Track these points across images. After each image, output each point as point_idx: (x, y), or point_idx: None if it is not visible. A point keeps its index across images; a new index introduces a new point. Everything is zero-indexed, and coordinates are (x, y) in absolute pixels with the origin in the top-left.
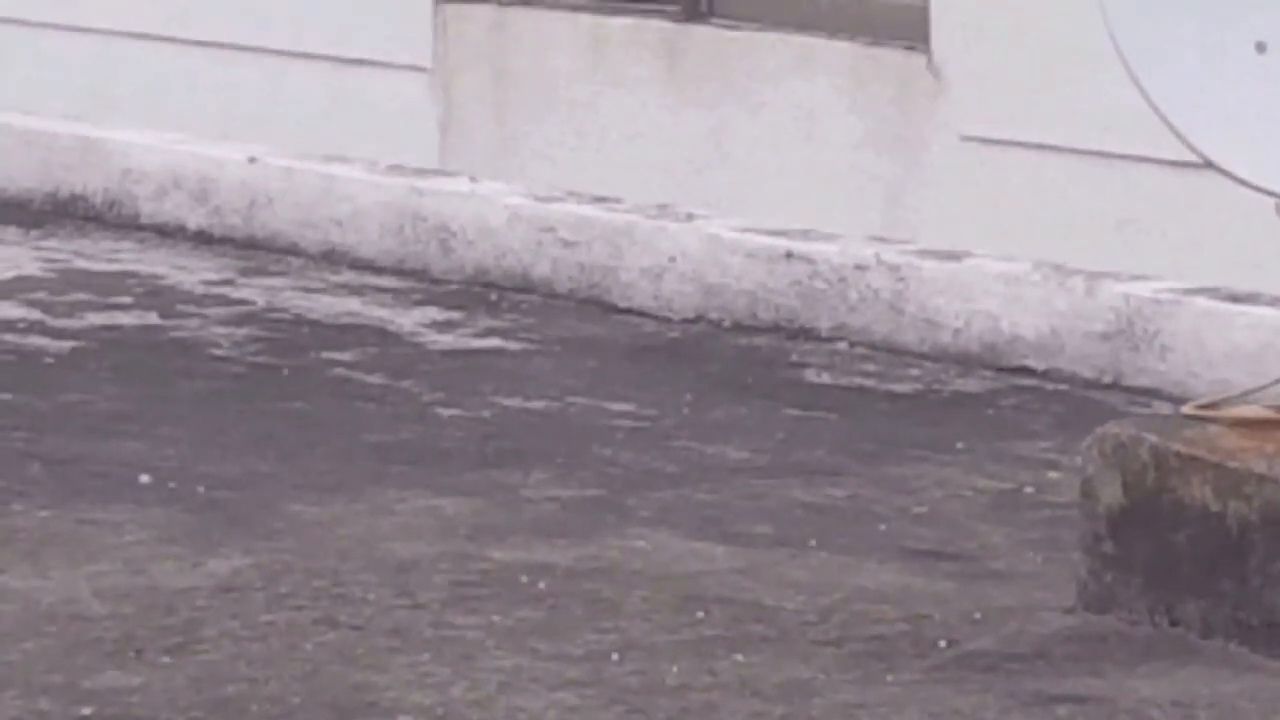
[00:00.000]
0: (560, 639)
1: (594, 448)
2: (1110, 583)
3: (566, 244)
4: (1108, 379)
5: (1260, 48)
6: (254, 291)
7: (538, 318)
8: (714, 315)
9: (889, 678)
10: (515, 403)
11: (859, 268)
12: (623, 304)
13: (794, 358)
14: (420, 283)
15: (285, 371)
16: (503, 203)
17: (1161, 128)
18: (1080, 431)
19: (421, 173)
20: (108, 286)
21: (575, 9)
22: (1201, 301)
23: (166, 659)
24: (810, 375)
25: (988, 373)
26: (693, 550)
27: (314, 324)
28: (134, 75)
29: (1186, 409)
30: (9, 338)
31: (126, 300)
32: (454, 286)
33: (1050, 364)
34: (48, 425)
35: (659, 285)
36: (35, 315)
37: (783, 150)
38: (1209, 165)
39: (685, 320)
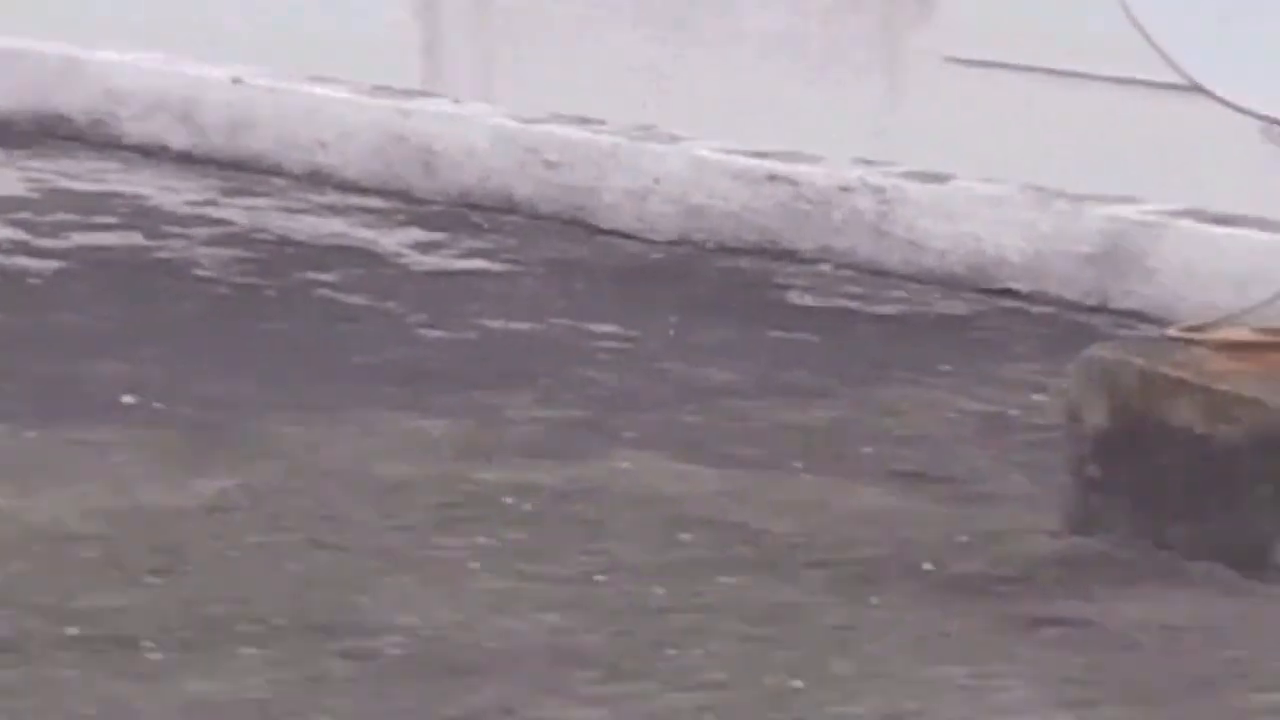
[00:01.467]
0: (546, 561)
1: (578, 369)
2: (1097, 506)
3: (550, 165)
4: (1093, 301)
5: None
6: (238, 212)
7: (521, 239)
8: (698, 237)
9: (875, 600)
10: (499, 324)
11: (843, 189)
12: (606, 226)
13: (778, 280)
14: (404, 204)
15: (270, 293)
16: (486, 124)
17: (1148, 50)
18: (1066, 354)
19: (406, 94)
20: (92, 207)
21: None
22: (1187, 224)
23: (153, 579)
24: (794, 297)
25: (972, 295)
26: (678, 472)
27: (298, 245)
28: None
29: (1173, 331)
30: None
31: (111, 220)
32: (438, 208)
33: (1035, 286)
34: (32, 346)
35: (643, 207)
36: (20, 235)
37: (768, 72)
38: (1195, 88)
39: (669, 242)
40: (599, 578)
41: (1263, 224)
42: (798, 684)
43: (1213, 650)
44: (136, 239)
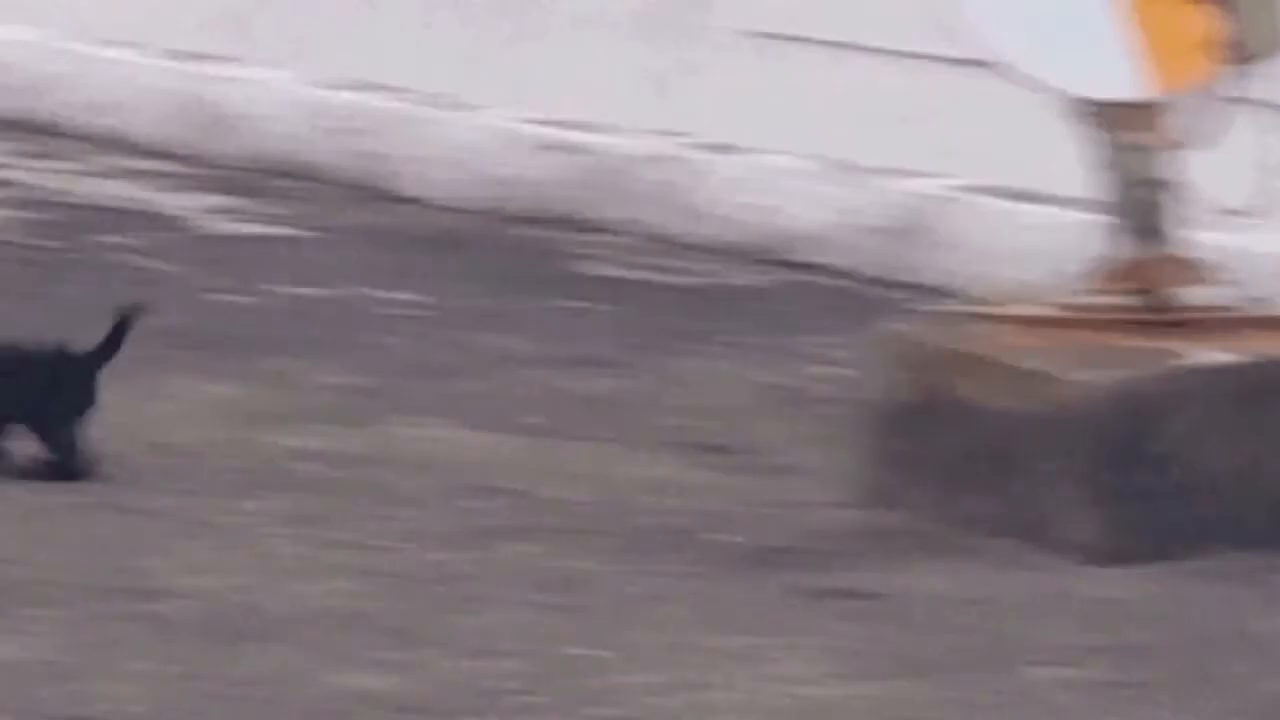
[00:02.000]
0: (338, 527)
1: (373, 337)
2: (888, 479)
3: (349, 132)
4: (889, 275)
5: None
6: (31, 174)
7: (318, 206)
8: (494, 206)
9: (666, 570)
10: (295, 290)
11: (641, 160)
12: (405, 194)
13: (575, 250)
14: (200, 168)
15: (61, 256)
16: (285, 90)
17: (943, 24)
18: (861, 328)
19: (204, 58)
20: None
21: None
22: (983, 199)
23: None
24: (591, 267)
25: (769, 267)
26: (472, 440)
27: (93, 208)
28: None
29: (968, 306)
30: None
31: None
32: (235, 172)
33: (831, 259)
34: None
35: (440, 175)
36: None
37: (566, 42)
38: (992, 63)
39: (465, 210)
40: (390, 544)
41: (1058, 200)
42: (590, 652)
43: (994, 624)
44: None
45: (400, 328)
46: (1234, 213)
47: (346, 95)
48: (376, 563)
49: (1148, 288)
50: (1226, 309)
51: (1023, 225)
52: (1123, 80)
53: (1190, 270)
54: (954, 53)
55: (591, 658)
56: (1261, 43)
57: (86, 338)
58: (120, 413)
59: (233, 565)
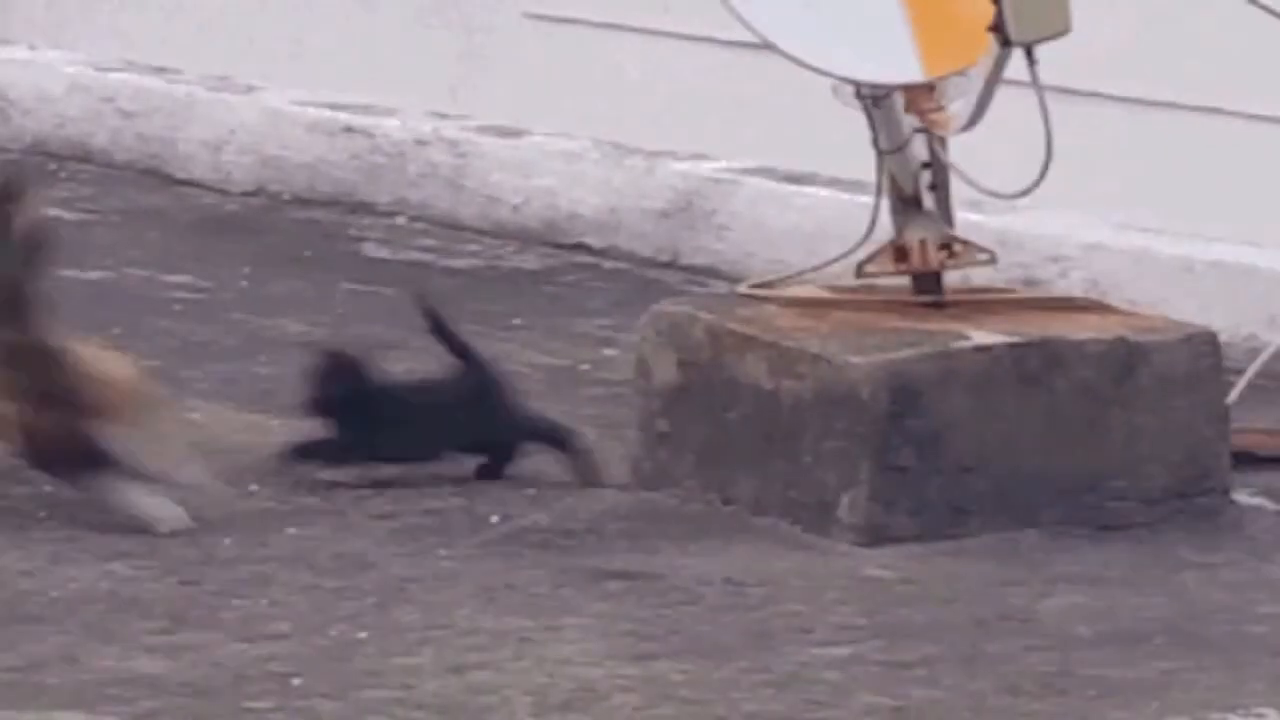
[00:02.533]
0: (111, 510)
1: (151, 319)
2: (665, 460)
3: (126, 114)
4: (665, 257)
5: None
6: None
7: (96, 188)
8: (273, 188)
9: (442, 552)
10: (72, 273)
11: (419, 143)
12: (182, 175)
13: (353, 231)
14: None
15: None
16: (61, 71)
17: (722, 8)
18: (638, 310)
19: None
20: None
21: None
22: (758, 181)
23: None
24: (369, 249)
25: (546, 249)
26: (249, 423)
27: None
28: None
29: (742, 288)
30: None
31: None
32: (12, 155)
33: (609, 242)
34: None
35: (218, 157)
36: None
37: (345, 23)
38: (767, 46)
39: (244, 193)
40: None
41: (833, 183)
42: (362, 635)
43: (775, 604)
44: None
45: (180, 310)
46: (1006, 195)
47: (123, 76)
48: (151, 546)
49: (920, 270)
50: (998, 291)
51: (798, 207)
52: (894, 63)
53: (963, 252)
54: (728, 35)
55: (362, 640)
56: (1030, 27)
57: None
58: None
59: (4, 549)
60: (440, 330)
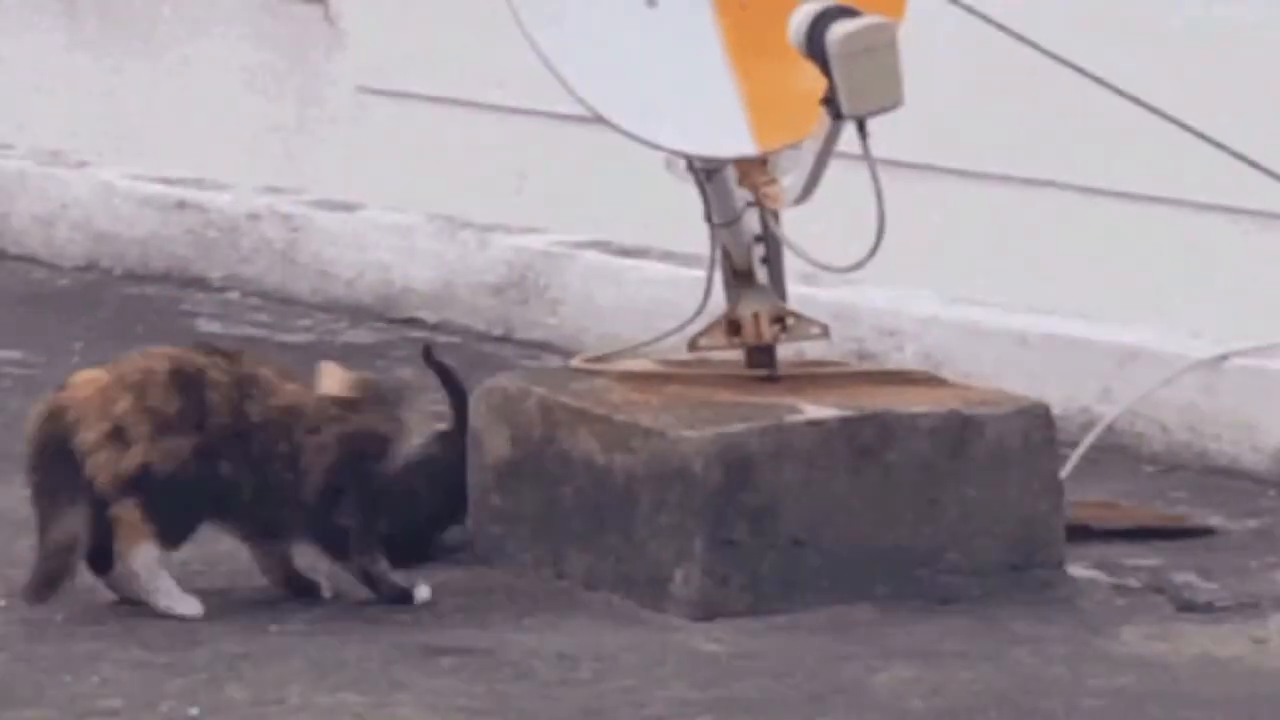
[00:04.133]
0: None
1: None
2: (498, 535)
3: None
4: (499, 331)
5: (650, 2)
6: None
7: None
8: (105, 263)
9: (273, 628)
10: None
11: (251, 217)
12: (14, 250)
13: (186, 306)
14: None
15: None
16: None
17: (555, 81)
18: (471, 384)
19: None
20: None
21: None
22: (592, 255)
23: None
24: (202, 324)
25: (380, 324)
26: None
27: None
28: None
29: (575, 362)
30: None
31: None
32: None
33: (442, 316)
34: None
35: (50, 232)
36: None
37: (178, 98)
38: (599, 119)
39: (76, 268)
40: None
41: (666, 256)
42: (194, 711)
43: (608, 680)
44: None
45: (11, 386)
46: (839, 268)
47: None
48: None
49: (754, 344)
50: (832, 364)
51: (631, 281)
52: (726, 136)
53: (796, 326)
54: (561, 109)
55: (194, 716)
56: (861, 101)
57: None
58: None
59: None
60: (449, 382)
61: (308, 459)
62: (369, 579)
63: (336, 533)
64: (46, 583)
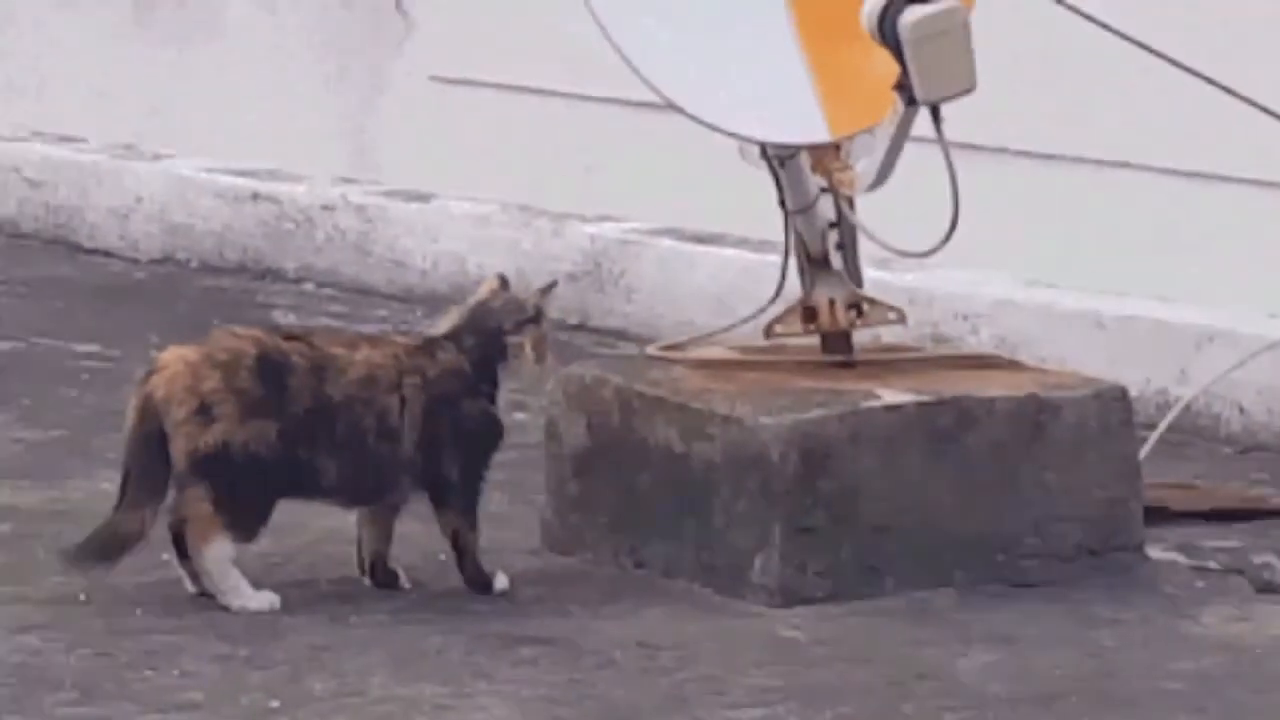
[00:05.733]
0: (23, 582)
1: (60, 389)
2: (575, 524)
3: (33, 184)
4: (574, 320)
5: None
6: None
7: (3, 258)
8: (181, 256)
9: (354, 619)
10: None
11: (326, 208)
12: (89, 244)
13: (261, 298)
14: None
15: None
16: None
17: (627, 70)
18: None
19: None
20: None
21: None
22: (666, 242)
23: None
24: (277, 316)
25: None
26: None
27: None
28: None
29: (651, 350)
30: None
31: None
32: None
33: None
34: None
35: (125, 225)
36: None
37: (251, 90)
38: (673, 107)
39: (152, 261)
40: (80, 597)
41: (740, 242)
42: (275, 703)
43: (689, 668)
44: None
45: (89, 379)
46: (914, 253)
47: (29, 145)
48: (64, 617)
49: (829, 330)
50: (908, 349)
51: (705, 268)
52: (799, 122)
53: (871, 311)
54: (635, 96)
55: (274, 709)
56: (935, 85)
57: None
58: None
59: None
60: None
61: (395, 418)
62: (457, 545)
63: (441, 480)
64: (99, 547)
